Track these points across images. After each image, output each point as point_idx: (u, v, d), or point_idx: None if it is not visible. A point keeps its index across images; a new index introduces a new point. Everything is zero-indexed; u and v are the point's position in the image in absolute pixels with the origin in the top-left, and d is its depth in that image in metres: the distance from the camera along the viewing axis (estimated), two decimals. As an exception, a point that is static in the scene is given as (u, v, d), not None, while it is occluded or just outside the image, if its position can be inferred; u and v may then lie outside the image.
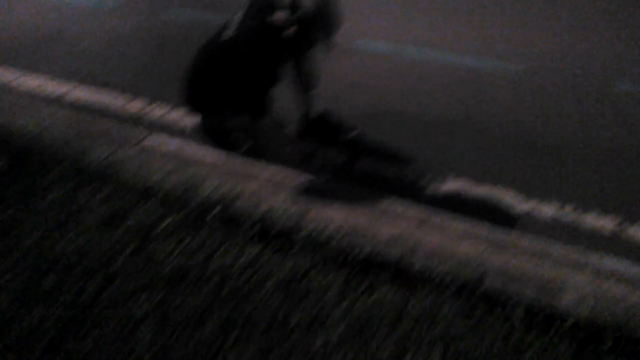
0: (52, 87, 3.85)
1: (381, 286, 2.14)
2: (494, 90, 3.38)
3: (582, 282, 2.07)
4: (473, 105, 3.27)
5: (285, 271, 2.19)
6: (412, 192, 2.73)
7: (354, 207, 2.46)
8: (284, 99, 3.00)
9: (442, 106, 3.29)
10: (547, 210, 2.57)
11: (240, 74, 2.50)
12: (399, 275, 2.17)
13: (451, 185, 2.75)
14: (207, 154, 2.88)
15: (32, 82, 3.92)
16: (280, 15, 2.50)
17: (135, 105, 3.52)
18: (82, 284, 2.18)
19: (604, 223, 2.49)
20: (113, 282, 2.20)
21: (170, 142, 2.98)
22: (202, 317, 2.06)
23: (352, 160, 2.94)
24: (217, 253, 2.30)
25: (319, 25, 2.44)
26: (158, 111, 3.44)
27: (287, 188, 2.60)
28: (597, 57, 3.58)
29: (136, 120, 3.37)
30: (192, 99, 2.72)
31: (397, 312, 2.03)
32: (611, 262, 2.18)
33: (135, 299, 2.12)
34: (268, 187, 2.61)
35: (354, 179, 2.82)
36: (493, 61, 3.64)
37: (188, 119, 3.30)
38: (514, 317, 1.99)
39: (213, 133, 2.98)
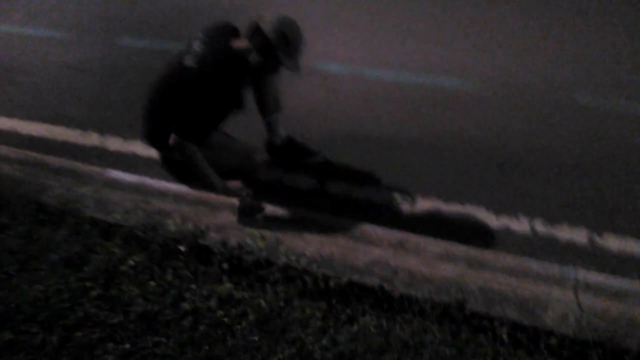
0: (1, 123, 3.66)
1: (362, 316, 2.07)
2: (457, 108, 3.39)
3: (563, 298, 2.05)
4: (437, 123, 3.27)
5: (261, 307, 2.09)
6: (384, 214, 2.68)
7: (327, 236, 2.39)
8: (247, 126, 2.94)
9: (406, 126, 3.27)
10: (519, 226, 2.56)
11: (203, 104, 2.40)
12: (380, 303, 2.11)
13: (422, 205, 2.72)
14: (170, 186, 2.77)
15: (-24, 119, 3.72)
16: (242, 42, 2.43)
17: (90, 139, 3.37)
18: (43, 337, 2.03)
19: (576, 236, 2.49)
20: (77, 331, 2.05)
21: (130, 176, 2.85)
22: (175, 364, 1.94)
23: (320, 185, 2.87)
24: (187, 293, 2.18)
25: (282, 50, 2.37)
26: (115, 144, 3.30)
27: (256, 219, 2.51)
28: (555, 72, 3.64)
29: (92, 155, 3.21)
30: (152, 135, 2.61)
31: (381, 342, 1.96)
32: (589, 276, 2.17)
33: (101, 350, 1.98)
34: (235, 219, 2.50)
35: (324, 205, 2.75)
36: (453, 79, 3.65)
37: (147, 150, 3.17)
38: (498, 339, 1.95)
39: (173, 165, 2.87)
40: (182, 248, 2.34)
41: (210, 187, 2.56)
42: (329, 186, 2.88)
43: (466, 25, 4.34)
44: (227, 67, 2.39)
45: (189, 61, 2.40)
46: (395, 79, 3.73)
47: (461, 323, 2.01)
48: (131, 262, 2.33)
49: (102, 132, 3.41)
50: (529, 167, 2.87)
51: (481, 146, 3.05)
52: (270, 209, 2.58)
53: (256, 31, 2.37)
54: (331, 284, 2.14)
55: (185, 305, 2.13)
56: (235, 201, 2.54)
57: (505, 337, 1.95)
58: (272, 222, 2.49)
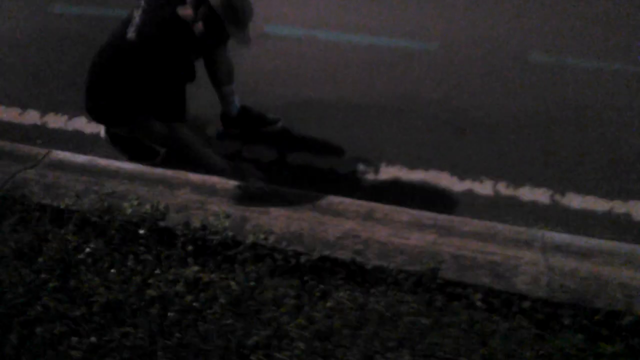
0: None
1: (336, 290, 2.03)
2: (412, 70, 3.34)
3: (533, 261, 2.07)
4: (393, 86, 3.21)
5: (231, 289, 2.02)
6: (348, 184, 2.63)
7: (294, 210, 2.32)
8: (201, 97, 2.80)
9: (363, 89, 3.20)
10: (483, 188, 2.57)
11: (149, 76, 2.25)
12: (353, 276, 2.08)
13: (386, 173, 2.68)
14: (123, 165, 2.61)
15: None
16: (186, 10, 2.26)
17: (30, 117, 3.14)
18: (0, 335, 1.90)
19: (539, 196, 2.52)
20: (37, 327, 1.93)
21: (78, 157, 2.68)
22: (146, 354, 1.85)
23: (281, 156, 2.78)
24: (151, 279, 2.08)
25: (229, 19, 2.20)
26: (57, 121, 3.09)
27: (218, 196, 2.41)
28: (508, 31, 3.62)
29: (34, 135, 3.00)
30: (96, 110, 2.44)
31: (357, 316, 1.94)
32: (556, 236, 2.20)
33: (66, 345, 1.87)
34: (197, 197, 2.40)
35: (286, 177, 2.67)
36: (407, 41, 3.59)
37: (93, 127, 2.99)
38: (473, 306, 1.96)
39: (123, 143, 2.71)
40: (141, 232, 2.22)
41: (209, 168, 2.45)
42: (290, 157, 2.79)
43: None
44: (171, 38, 2.22)
45: (130, 33, 2.23)
46: (350, 41, 3.63)
47: (435, 291, 2.00)
48: (88, 250, 2.20)
49: (42, 109, 3.18)
50: (488, 128, 2.87)
51: (440, 108, 3.02)
52: (231, 183, 2.48)
53: (202, 1, 2.19)
54: (302, 260, 2.08)
55: (151, 292, 2.03)
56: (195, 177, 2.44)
57: (479, 303, 1.96)
58: (235, 199, 2.40)
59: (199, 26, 2.23)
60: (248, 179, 2.44)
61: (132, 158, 2.71)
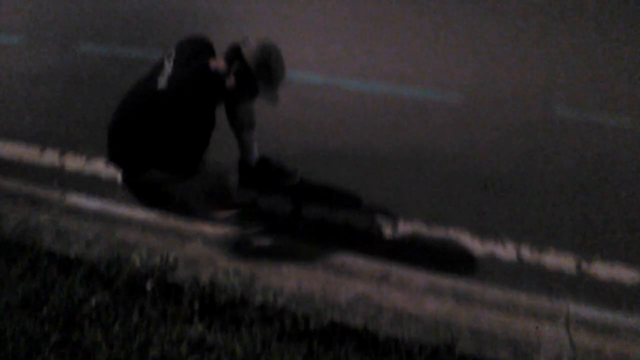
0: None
1: (346, 359, 1.93)
2: (435, 122, 3.28)
3: (556, 336, 1.95)
4: (415, 138, 3.15)
5: (236, 353, 1.93)
6: (365, 241, 2.54)
7: (306, 268, 2.24)
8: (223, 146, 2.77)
9: (384, 141, 3.14)
10: (505, 252, 2.46)
11: (176, 127, 2.22)
12: (364, 345, 1.97)
13: (404, 229, 2.59)
14: (136, 213, 2.58)
15: None
16: (220, 64, 2.25)
17: (48, 157, 3.14)
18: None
19: (564, 262, 2.40)
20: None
21: (91, 202, 2.65)
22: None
23: (297, 210, 2.71)
24: (154, 337, 2.01)
25: (262, 77, 2.21)
26: (75, 162, 3.08)
27: (229, 250, 2.34)
28: (532, 84, 3.56)
29: (51, 176, 2.99)
30: (119, 156, 2.41)
31: (366, 390, 1.83)
32: (580, 310, 2.08)
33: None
34: (207, 251, 2.34)
35: (302, 232, 2.60)
36: (430, 91, 3.54)
37: (110, 171, 2.97)
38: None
39: (139, 189, 2.68)
40: (148, 286, 2.16)
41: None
42: (306, 209, 2.73)
43: (440, 36, 4.24)
44: (202, 90, 2.20)
45: (161, 83, 2.20)
46: (372, 90, 3.60)
47: (451, 367, 1.89)
48: (93, 303, 2.15)
49: (61, 149, 3.18)
50: (512, 186, 2.78)
51: (463, 163, 2.94)
52: (244, 237, 2.42)
53: (237, 56, 2.19)
54: (312, 325, 1.99)
55: (154, 351, 1.96)
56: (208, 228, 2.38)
57: (497, 381, 1.84)
58: (247, 253, 2.33)
59: (231, 80, 2.23)
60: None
61: (146, 205, 2.67)
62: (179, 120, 2.18)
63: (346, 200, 2.76)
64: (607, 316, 2.07)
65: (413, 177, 2.88)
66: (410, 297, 2.11)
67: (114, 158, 2.42)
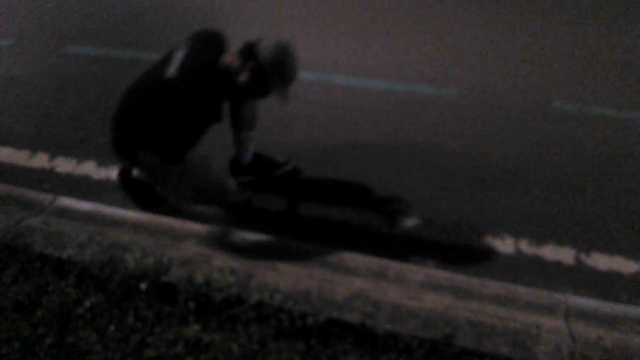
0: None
1: (344, 357, 1.90)
2: (431, 117, 3.25)
3: (555, 329, 1.93)
4: (410, 134, 3.13)
5: (233, 352, 1.91)
6: (362, 237, 2.52)
7: (303, 266, 2.21)
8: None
9: (379, 136, 3.12)
10: (504, 246, 2.44)
11: (178, 114, 2.19)
12: (363, 341, 1.95)
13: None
14: (128, 214, 2.54)
15: None
16: (233, 60, 2.23)
17: (38, 161, 3.10)
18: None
19: (563, 255, 2.38)
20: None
21: (83, 204, 2.61)
22: None
23: (291, 206, 2.69)
24: (150, 338, 1.98)
25: (276, 75, 2.20)
26: (66, 165, 3.04)
27: (224, 249, 2.31)
28: (528, 78, 3.54)
29: (41, 179, 2.95)
30: (119, 138, 2.36)
31: (365, 387, 1.81)
32: (580, 301, 2.06)
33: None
34: (202, 250, 2.30)
35: (296, 229, 2.57)
36: (424, 86, 3.52)
37: (102, 172, 2.94)
38: (491, 377, 1.82)
39: (134, 188, 2.65)
40: (143, 286, 2.13)
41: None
42: (301, 207, 2.70)
43: (434, 31, 4.22)
44: (213, 83, 2.18)
45: (172, 72, 2.18)
46: (366, 86, 3.58)
47: (450, 361, 1.87)
48: (87, 304, 2.11)
49: (52, 152, 3.14)
50: (511, 180, 2.76)
51: (461, 157, 2.92)
52: (239, 236, 2.39)
53: (252, 53, 2.18)
54: (309, 322, 1.97)
55: (150, 352, 1.93)
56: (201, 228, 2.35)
57: (498, 374, 1.82)
58: (241, 253, 2.30)
59: (243, 77, 2.21)
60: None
61: (140, 205, 2.64)
62: (183, 109, 2.16)
63: (342, 198, 2.73)
64: (607, 307, 2.05)
65: (409, 173, 2.86)
66: (409, 292, 2.08)
67: (115, 141, 2.38)
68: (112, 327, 2.03)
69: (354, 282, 2.12)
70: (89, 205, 2.59)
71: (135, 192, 2.66)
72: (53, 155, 3.12)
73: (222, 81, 2.22)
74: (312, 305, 2.03)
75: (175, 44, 2.36)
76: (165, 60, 2.28)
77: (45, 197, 2.65)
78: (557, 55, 3.77)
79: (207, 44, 2.30)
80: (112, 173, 2.91)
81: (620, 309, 2.05)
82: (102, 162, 3.02)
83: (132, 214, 2.53)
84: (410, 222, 2.58)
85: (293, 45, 2.24)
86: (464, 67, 3.70)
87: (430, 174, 2.84)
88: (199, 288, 2.10)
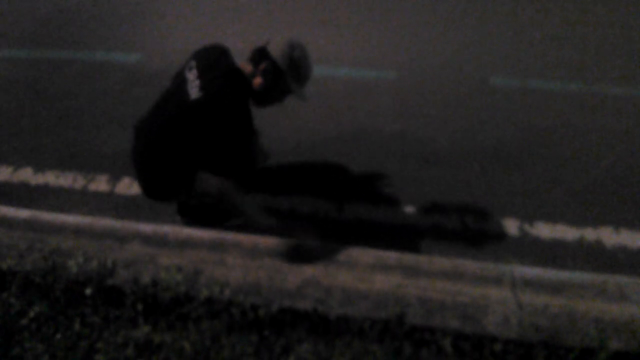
0: None
1: (298, 344, 1.90)
2: (373, 100, 3.27)
3: (503, 299, 1.97)
4: (351, 118, 3.14)
5: (186, 350, 1.87)
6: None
7: (252, 257, 2.19)
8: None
9: (320, 121, 3.11)
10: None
11: (219, 132, 2.09)
12: (316, 327, 1.95)
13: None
14: (68, 219, 2.46)
15: None
16: (245, 67, 2.17)
17: (-28, 170, 2.97)
18: None
19: (507, 227, 2.43)
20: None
21: (22, 211, 2.51)
22: None
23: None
24: (99, 343, 1.93)
25: (292, 75, 2.15)
26: (2, 173, 2.92)
27: (170, 248, 2.26)
28: (467, 56, 3.60)
29: (-24, 189, 2.83)
30: (154, 185, 2.26)
31: (321, 372, 1.81)
32: (526, 271, 2.11)
33: None
34: (147, 250, 2.25)
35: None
36: (363, 70, 3.53)
37: (40, 177, 2.84)
38: (442, 352, 1.85)
39: (193, 212, 2.55)
40: (88, 292, 2.07)
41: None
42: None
43: (378, 15, 4.23)
44: (237, 88, 2.11)
45: (193, 93, 2.07)
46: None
47: (402, 339, 1.89)
48: (32, 314, 2.04)
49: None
50: (452, 158, 2.80)
51: (402, 139, 2.95)
52: (185, 233, 2.35)
53: (264, 56, 2.13)
54: (261, 313, 1.95)
55: (100, 358, 1.88)
56: (145, 227, 2.30)
57: (449, 348, 1.85)
58: (189, 249, 2.26)
59: (258, 80, 2.16)
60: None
61: (206, 225, 2.50)
62: (220, 125, 2.07)
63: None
64: (552, 274, 2.10)
65: (351, 156, 2.86)
66: (359, 275, 2.09)
67: (147, 191, 2.28)
68: (58, 336, 1.97)
69: (305, 270, 2.12)
70: (27, 213, 2.49)
71: (196, 216, 2.58)
72: (-13, 164, 2.99)
73: (244, 85, 2.15)
74: (264, 296, 2.01)
75: (179, 70, 2.27)
76: (179, 86, 2.18)
77: (-20, 208, 2.54)
78: (492, 33, 3.84)
79: (214, 57, 2.21)
80: (49, 178, 2.82)
81: (565, 275, 2.10)
82: (38, 168, 2.92)
83: (72, 219, 2.44)
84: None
85: (304, 43, 2.20)
86: (401, 49, 3.73)
87: (371, 156, 2.85)
88: (146, 288, 2.05)
